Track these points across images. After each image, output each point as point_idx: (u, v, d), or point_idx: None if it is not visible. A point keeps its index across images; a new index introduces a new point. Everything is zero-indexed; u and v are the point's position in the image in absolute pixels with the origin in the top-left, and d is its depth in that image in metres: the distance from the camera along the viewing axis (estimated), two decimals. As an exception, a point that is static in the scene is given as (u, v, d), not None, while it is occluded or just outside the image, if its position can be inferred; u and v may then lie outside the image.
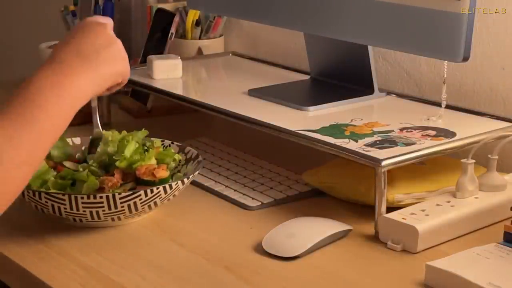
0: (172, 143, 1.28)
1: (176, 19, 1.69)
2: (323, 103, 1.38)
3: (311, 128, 1.27)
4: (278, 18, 1.49)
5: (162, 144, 1.28)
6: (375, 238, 1.15)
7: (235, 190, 1.30)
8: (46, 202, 1.13)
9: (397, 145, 1.19)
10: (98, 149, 1.21)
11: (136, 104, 1.69)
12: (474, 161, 1.18)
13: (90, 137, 1.25)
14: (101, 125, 1.24)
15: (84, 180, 1.16)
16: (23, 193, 1.14)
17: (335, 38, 1.41)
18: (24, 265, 1.09)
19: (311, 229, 1.14)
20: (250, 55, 1.76)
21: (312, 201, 1.28)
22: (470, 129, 1.25)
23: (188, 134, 1.51)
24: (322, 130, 1.26)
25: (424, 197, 1.20)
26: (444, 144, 1.20)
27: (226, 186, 1.31)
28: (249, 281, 1.04)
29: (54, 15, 1.95)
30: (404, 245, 1.11)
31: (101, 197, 1.12)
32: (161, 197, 1.15)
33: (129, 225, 1.19)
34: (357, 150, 1.18)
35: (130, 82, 1.56)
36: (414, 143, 1.20)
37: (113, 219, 1.16)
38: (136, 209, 1.15)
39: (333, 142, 1.21)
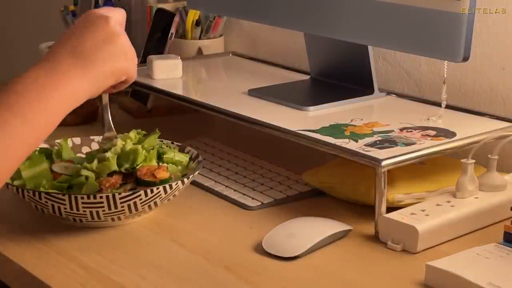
0: (172, 143, 1.28)
1: (176, 19, 1.69)
2: (323, 103, 1.38)
3: (311, 128, 1.27)
4: (278, 18, 1.49)
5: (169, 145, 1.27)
6: (375, 238, 1.15)
7: (235, 190, 1.30)
8: (46, 202, 1.13)
9: (397, 145, 1.19)
10: (108, 154, 1.19)
11: (136, 104, 1.69)
12: (474, 161, 1.18)
13: (101, 138, 1.22)
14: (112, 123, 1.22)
15: (82, 183, 1.16)
16: (23, 193, 1.14)
17: (335, 38, 1.41)
18: (24, 265, 1.09)
19: (311, 229, 1.14)
20: (250, 55, 1.76)
21: (312, 201, 1.28)
22: (470, 129, 1.25)
23: (188, 134, 1.51)
24: (322, 130, 1.26)
25: (424, 197, 1.20)
26: (444, 144, 1.20)
27: (226, 186, 1.31)
28: (249, 281, 1.04)
29: (54, 15, 1.95)
30: (404, 245, 1.11)
31: (101, 197, 1.11)
32: (161, 197, 1.15)
33: (129, 225, 1.19)
34: (357, 150, 1.18)
35: (130, 82, 1.57)
36: (414, 143, 1.20)
37: (113, 219, 1.16)
38: (136, 209, 1.15)
39: (333, 142, 1.21)
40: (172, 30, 1.67)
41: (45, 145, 1.27)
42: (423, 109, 1.37)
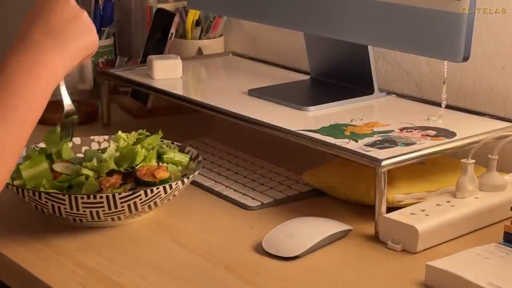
0: (172, 143, 1.28)
1: (176, 19, 1.69)
2: (323, 103, 1.38)
3: (311, 128, 1.27)
4: (278, 18, 1.49)
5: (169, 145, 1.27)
6: (375, 238, 1.15)
7: (235, 190, 1.30)
8: (46, 202, 1.13)
9: (397, 145, 1.19)
10: (104, 155, 1.19)
11: (136, 104, 1.69)
12: (474, 161, 1.18)
13: (64, 113, 1.21)
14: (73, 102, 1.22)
15: (82, 183, 1.16)
16: (23, 193, 1.14)
17: (335, 38, 1.41)
18: (24, 265, 1.09)
19: (311, 229, 1.14)
20: (250, 55, 1.76)
21: (312, 201, 1.28)
22: (470, 129, 1.25)
23: (188, 134, 1.51)
24: (322, 130, 1.26)
25: (424, 197, 1.20)
26: (444, 144, 1.20)
27: (226, 186, 1.31)
28: (249, 281, 1.04)
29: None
30: (404, 245, 1.11)
31: (101, 197, 1.12)
32: (161, 197, 1.15)
33: (129, 225, 1.19)
34: (357, 150, 1.18)
35: (130, 82, 1.57)
36: (414, 143, 1.20)
37: (113, 219, 1.16)
38: (136, 209, 1.15)
39: (333, 142, 1.21)
40: (172, 30, 1.67)
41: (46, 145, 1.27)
42: (423, 109, 1.37)
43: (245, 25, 1.84)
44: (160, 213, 1.23)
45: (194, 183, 1.31)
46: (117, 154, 1.19)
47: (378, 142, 1.21)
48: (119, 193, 1.12)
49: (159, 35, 1.70)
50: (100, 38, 1.81)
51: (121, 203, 1.13)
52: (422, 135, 1.23)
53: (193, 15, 1.75)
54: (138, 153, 1.18)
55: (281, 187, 1.31)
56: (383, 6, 1.29)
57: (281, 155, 1.43)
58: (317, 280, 1.05)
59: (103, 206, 1.13)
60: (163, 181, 1.16)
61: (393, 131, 1.26)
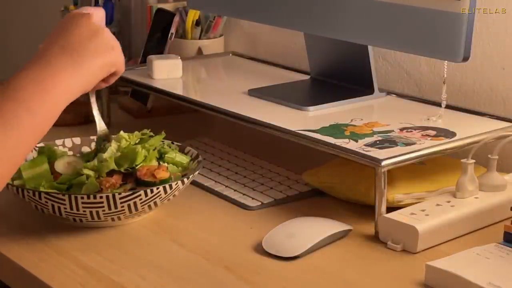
0: (172, 143, 1.28)
1: (176, 19, 1.69)
2: (323, 103, 1.38)
3: (311, 128, 1.27)
4: (278, 18, 1.49)
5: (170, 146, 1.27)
6: (375, 238, 1.15)
7: (235, 190, 1.30)
8: (46, 202, 1.13)
9: (397, 145, 1.19)
10: (105, 155, 1.19)
11: (136, 104, 1.69)
12: (474, 161, 1.18)
13: (96, 136, 1.23)
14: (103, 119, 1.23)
15: (82, 182, 1.16)
16: (23, 193, 1.14)
17: (335, 38, 1.41)
18: (24, 265, 1.09)
19: (311, 229, 1.14)
20: (250, 55, 1.76)
21: (312, 201, 1.28)
22: (470, 129, 1.25)
23: (188, 134, 1.51)
24: (322, 130, 1.26)
25: (424, 197, 1.20)
26: (444, 144, 1.20)
27: (226, 186, 1.31)
28: (249, 281, 1.04)
29: (54, 15, 1.95)
30: (404, 245, 1.11)
31: (101, 197, 1.11)
32: (161, 197, 1.15)
33: (129, 225, 1.19)
34: (357, 150, 1.18)
35: (130, 82, 1.57)
36: (414, 143, 1.20)
37: (113, 219, 1.16)
38: (136, 209, 1.15)
39: (333, 142, 1.21)
40: (172, 30, 1.67)
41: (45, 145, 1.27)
42: (423, 109, 1.37)
43: (245, 25, 1.84)
44: (160, 213, 1.23)
45: (194, 183, 1.31)
46: (118, 154, 1.19)
47: (378, 142, 1.21)
48: (119, 193, 1.12)
49: (159, 35, 1.70)
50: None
51: (121, 203, 1.13)
52: (422, 135, 1.23)
53: (193, 15, 1.75)
54: (138, 153, 1.18)
55: (281, 187, 1.31)
56: (383, 6, 1.29)
57: (281, 155, 1.43)
58: (317, 280, 1.05)
59: (103, 206, 1.12)
60: (163, 181, 1.16)
61: (393, 131, 1.26)
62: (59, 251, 1.12)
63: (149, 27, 1.75)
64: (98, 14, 1.08)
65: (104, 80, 1.09)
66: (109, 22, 1.84)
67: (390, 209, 1.15)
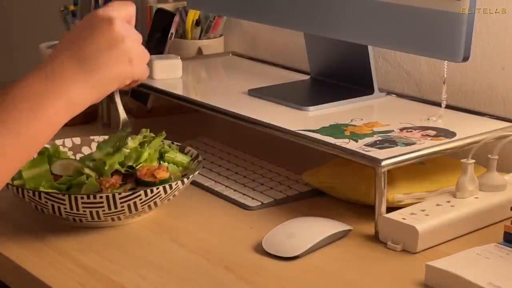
0: (172, 143, 1.28)
1: (176, 19, 1.69)
2: (323, 103, 1.38)
3: (311, 128, 1.27)
4: (278, 18, 1.49)
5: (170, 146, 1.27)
6: (375, 238, 1.15)
7: (235, 190, 1.30)
8: (46, 202, 1.13)
9: (397, 145, 1.19)
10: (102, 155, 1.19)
11: (136, 104, 1.69)
12: (474, 161, 1.18)
13: (120, 129, 1.17)
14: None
15: (82, 182, 1.16)
16: (23, 193, 1.14)
17: (335, 38, 1.41)
18: (24, 265, 1.09)
19: (311, 229, 1.14)
20: (250, 55, 1.76)
21: (312, 201, 1.28)
22: (470, 129, 1.25)
23: (188, 134, 1.51)
24: (322, 130, 1.26)
25: (424, 197, 1.20)
26: (444, 144, 1.20)
27: (226, 186, 1.31)
28: (249, 281, 1.04)
29: (54, 15, 1.95)
30: (404, 245, 1.11)
31: (101, 197, 1.11)
32: (161, 197, 1.15)
33: (129, 225, 1.19)
34: (357, 150, 1.18)
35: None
36: (414, 143, 1.20)
37: (113, 219, 1.16)
38: (136, 209, 1.15)
39: (333, 142, 1.21)
40: (172, 30, 1.67)
41: (46, 145, 1.27)
42: (423, 109, 1.37)
43: (245, 25, 1.84)
44: (160, 213, 1.23)
45: (194, 183, 1.31)
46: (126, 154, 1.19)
47: (378, 142, 1.21)
48: (119, 193, 1.12)
49: (159, 35, 1.70)
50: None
51: (121, 203, 1.13)
52: (422, 135, 1.23)
53: (193, 15, 1.75)
54: (143, 153, 1.18)
55: (281, 187, 1.31)
56: (383, 6, 1.29)
57: (281, 155, 1.43)
58: (317, 280, 1.05)
59: (103, 206, 1.13)
60: (163, 181, 1.16)
61: (393, 131, 1.26)
62: (59, 251, 1.12)
63: (149, 27, 1.75)
64: (125, 15, 1.00)
65: (127, 84, 1.03)
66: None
67: (390, 209, 1.15)
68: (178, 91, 1.52)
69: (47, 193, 1.12)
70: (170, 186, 1.15)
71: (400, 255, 1.11)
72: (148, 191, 1.13)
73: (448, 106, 1.34)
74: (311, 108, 1.37)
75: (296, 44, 1.68)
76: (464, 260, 1.03)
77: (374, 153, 1.16)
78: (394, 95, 1.45)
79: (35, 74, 0.95)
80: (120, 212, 1.14)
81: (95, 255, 1.11)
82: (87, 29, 0.98)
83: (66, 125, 1.67)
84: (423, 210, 1.13)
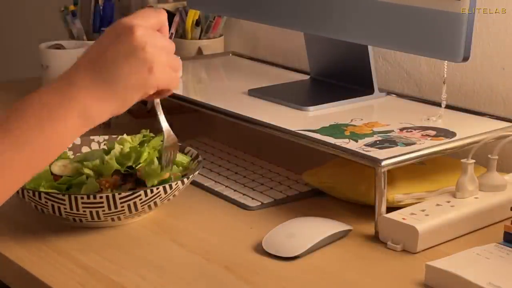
0: (172, 143, 1.28)
1: (176, 19, 1.69)
2: (323, 103, 1.38)
3: (311, 128, 1.27)
4: (278, 18, 1.49)
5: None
6: (375, 238, 1.15)
7: (235, 190, 1.30)
8: (46, 202, 1.13)
9: (397, 145, 1.19)
10: (108, 157, 1.18)
11: (136, 104, 1.68)
12: (474, 161, 1.18)
13: (163, 147, 1.14)
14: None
15: (82, 182, 1.16)
16: (23, 193, 1.14)
17: (335, 38, 1.41)
18: (24, 265, 1.09)
19: (311, 229, 1.14)
20: (250, 55, 1.76)
21: (312, 201, 1.28)
22: (470, 129, 1.25)
23: (188, 134, 1.51)
24: (322, 130, 1.26)
25: (424, 197, 1.20)
26: (444, 144, 1.20)
27: (226, 186, 1.31)
28: (249, 281, 1.04)
29: (54, 15, 1.95)
30: (404, 245, 1.11)
31: (101, 197, 1.11)
32: (161, 197, 1.15)
33: (129, 225, 1.19)
34: (357, 150, 1.18)
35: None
36: (414, 143, 1.20)
37: (113, 219, 1.16)
38: (136, 209, 1.15)
39: (333, 142, 1.21)
40: (172, 30, 1.67)
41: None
42: (423, 109, 1.37)
43: (245, 25, 1.84)
44: (160, 213, 1.23)
45: (194, 183, 1.31)
46: (118, 156, 1.19)
47: (378, 142, 1.21)
48: (119, 193, 1.12)
49: (159, 35, 1.70)
50: (100, 38, 1.82)
51: (121, 203, 1.13)
52: (422, 135, 1.23)
53: (193, 15, 1.75)
54: (142, 153, 1.18)
55: (281, 187, 1.31)
56: (383, 6, 1.29)
57: (281, 155, 1.43)
58: (317, 280, 1.05)
59: (103, 206, 1.12)
60: (163, 181, 1.16)
61: (393, 131, 1.26)
62: (59, 251, 1.12)
63: (149, 27, 1.75)
64: (151, 23, 0.96)
65: (156, 93, 1.00)
66: (109, 22, 1.84)
67: (390, 209, 1.15)
68: (178, 91, 1.51)
69: (47, 193, 1.12)
70: (170, 186, 1.15)
71: (400, 255, 1.11)
72: (148, 191, 1.13)
73: (448, 106, 1.34)
74: (311, 108, 1.37)
75: (296, 44, 1.68)
76: (464, 260, 1.03)
77: (374, 153, 1.16)
78: (394, 95, 1.45)
79: (51, 84, 0.91)
80: (120, 212, 1.14)
81: (95, 255, 1.11)
82: (109, 37, 0.94)
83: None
84: (423, 210, 1.13)
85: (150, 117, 1.65)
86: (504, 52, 1.38)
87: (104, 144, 1.30)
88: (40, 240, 1.15)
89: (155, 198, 1.15)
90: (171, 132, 1.14)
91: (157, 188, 1.14)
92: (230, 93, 1.47)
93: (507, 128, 1.26)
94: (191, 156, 1.26)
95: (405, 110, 1.37)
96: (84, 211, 1.13)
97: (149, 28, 0.96)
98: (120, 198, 1.12)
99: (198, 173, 1.22)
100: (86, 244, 1.14)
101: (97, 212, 1.13)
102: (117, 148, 1.20)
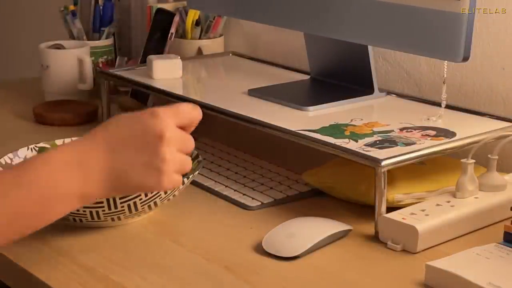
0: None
1: (176, 19, 1.69)
2: (323, 103, 1.38)
3: (311, 128, 1.27)
4: (278, 18, 1.49)
5: None
6: (375, 238, 1.15)
7: (235, 190, 1.30)
8: (46, 202, 1.13)
9: (397, 145, 1.19)
10: None
11: (136, 104, 1.69)
12: (474, 161, 1.18)
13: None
14: None
15: None
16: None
17: (335, 38, 1.41)
18: (24, 265, 1.09)
19: (311, 229, 1.14)
20: (250, 55, 1.76)
21: (312, 201, 1.28)
22: (470, 129, 1.25)
23: (188, 134, 1.51)
24: (322, 130, 1.26)
25: (424, 197, 1.20)
26: (444, 144, 1.20)
27: (226, 186, 1.31)
28: (249, 281, 1.04)
29: (54, 15, 1.95)
30: (404, 245, 1.11)
31: (101, 197, 1.11)
32: (161, 197, 1.15)
33: (129, 225, 1.19)
34: (357, 150, 1.18)
35: (130, 82, 1.57)
36: (414, 143, 1.20)
37: (113, 219, 1.16)
38: (136, 209, 1.15)
39: (333, 142, 1.21)
40: (172, 30, 1.67)
41: (46, 145, 1.27)
42: (423, 109, 1.37)
43: (245, 25, 1.84)
44: (160, 213, 1.23)
45: (194, 183, 1.31)
46: None
47: (378, 142, 1.21)
48: (119, 193, 1.12)
49: (159, 35, 1.70)
50: (100, 38, 1.82)
51: (121, 203, 1.13)
52: (422, 135, 1.23)
53: (193, 15, 1.75)
54: None
55: (281, 187, 1.31)
56: (383, 6, 1.29)
57: (281, 155, 1.43)
58: (317, 280, 1.05)
59: (103, 206, 1.12)
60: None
61: (393, 131, 1.26)
62: (59, 251, 1.12)
63: (149, 27, 1.75)
64: (185, 121, 0.98)
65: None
66: (109, 22, 1.84)
67: (390, 209, 1.15)
68: (178, 91, 1.51)
69: (47, 193, 1.12)
70: (170, 186, 1.15)
71: (400, 255, 1.11)
72: (148, 191, 1.13)
73: (448, 106, 1.34)
74: (311, 108, 1.37)
75: (296, 44, 1.68)
76: (464, 260, 1.03)
77: (374, 153, 1.16)
78: (394, 95, 1.45)
79: (65, 158, 0.96)
80: (120, 212, 1.14)
81: (95, 255, 1.11)
82: (135, 137, 0.96)
83: (66, 125, 1.68)
84: (423, 210, 1.13)
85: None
86: (504, 52, 1.38)
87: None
88: (40, 240, 1.15)
89: (155, 198, 1.15)
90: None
91: (157, 188, 1.13)
92: (230, 93, 1.47)
93: (507, 128, 1.26)
94: (191, 156, 1.26)
95: (405, 110, 1.37)
96: (84, 211, 1.13)
97: (177, 132, 0.97)
98: (120, 198, 1.12)
99: (198, 173, 1.22)
100: (86, 244, 1.14)
101: (97, 212, 1.13)
102: None
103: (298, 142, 1.25)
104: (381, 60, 1.56)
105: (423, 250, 1.11)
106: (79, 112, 1.66)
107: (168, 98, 1.50)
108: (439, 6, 1.21)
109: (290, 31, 1.62)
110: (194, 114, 0.99)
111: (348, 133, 1.25)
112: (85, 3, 1.85)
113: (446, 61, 1.31)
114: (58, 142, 1.29)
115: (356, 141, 1.22)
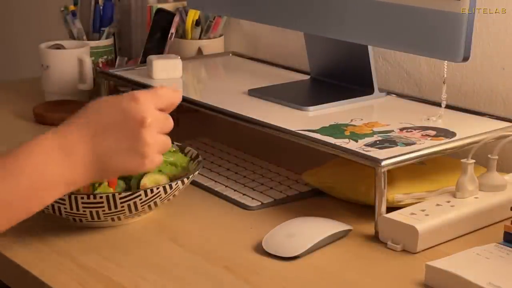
0: (172, 143, 1.28)
1: (176, 19, 1.69)
2: (323, 103, 1.38)
3: (311, 128, 1.27)
4: (278, 18, 1.49)
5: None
6: (375, 238, 1.15)
7: (235, 190, 1.30)
8: (46, 202, 1.13)
9: (397, 145, 1.19)
10: None
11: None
12: (474, 161, 1.18)
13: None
14: None
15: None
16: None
17: (335, 38, 1.41)
18: (24, 265, 1.09)
19: (311, 229, 1.14)
20: (250, 55, 1.76)
21: (312, 201, 1.28)
22: (470, 129, 1.25)
23: (188, 134, 1.51)
24: (322, 130, 1.26)
25: (424, 197, 1.20)
26: (444, 144, 1.20)
27: (226, 186, 1.31)
28: (249, 281, 1.04)
29: (54, 15, 1.95)
30: (404, 245, 1.11)
31: (101, 197, 1.11)
32: (161, 197, 1.15)
33: (129, 225, 1.19)
34: (357, 150, 1.18)
35: (130, 82, 1.57)
36: (414, 143, 1.20)
37: (113, 219, 1.16)
38: (136, 209, 1.15)
39: (333, 142, 1.21)
40: (172, 30, 1.67)
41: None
42: (423, 109, 1.37)
43: (245, 25, 1.84)
44: (160, 213, 1.23)
45: (194, 183, 1.31)
46: None
47: (378, 142, 1.21)
48: (119, 193, 1.12)
49: (159, 35, 1.70)
50: (100, 38, 1.82)
51: (121, 203, 1.13)
52: (422, 135, 1.23)
53: (193, 15, 1.75)
54: None
55: (281, 187, 1.31)
56: (383, 6, 1.29)
57: (281, 155, 1.43)
58: (317, 280, 1.05)
59: (103, 206, 1.13)
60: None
61: (393, 131, 1.26)
62: (59, 251, 1.12)
63: (149, 27, 1.75)
64: (165, 104, 1.01)
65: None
66: (109, 22, 1.84)
67: (390, 209, 1.15)
68: (178, 91, 1.51)
69: (47, 193, 1.12)
70: (170, 186, 1.15)
71: (400, 255, 1.11)
72: (148, 191, 1.13)
73: (448, 106, 1.34)
74: (311, 108, 1.37)
75: (296, 44, 1.68)
76: (464, 260, 1.03)
77: (374, 153, 1.16)
78: (394, 95, 1.45)
79: (49, 146, 0.97)
80: (120, 212, 1.14)
81: (95, 255, 1.11)
82: (116, 123, 0.98)
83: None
84: (423, 210, 1.13)
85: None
86: (504, 52, 1.38)
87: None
88: (40, 240, 1.15)
89: (155, 198, 1.15)
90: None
91: (157, 188, 1.14)
92: (230, 93, 1.47)
93: (507, 128, 1.26)
94: (191, 156, 1.26)
95: (405, 110, 1.37)
96: (84, 211, 1.13)
97: (157, 114, 1.00)
98: (120, 198, 1.12)
99: (198, 173, 1.22)
100: (86, 244, 1.14)
101: (97, 212, 1.13)
102: None
103: (298, 142, 1.25)
104: (381, 60, 1.56)
105: (423, 250, 1.11)
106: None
107: (168, 98, 1.49)
108: (439, 6, 1.21)
109: (290, 31, 1.62)
110: (174, 98, 1.03)
111: (348, 133, 1.25)
112: (85, 3, 1.85)
113: (446, 61, 1.31)
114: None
115: (356, 141, 1.22)
